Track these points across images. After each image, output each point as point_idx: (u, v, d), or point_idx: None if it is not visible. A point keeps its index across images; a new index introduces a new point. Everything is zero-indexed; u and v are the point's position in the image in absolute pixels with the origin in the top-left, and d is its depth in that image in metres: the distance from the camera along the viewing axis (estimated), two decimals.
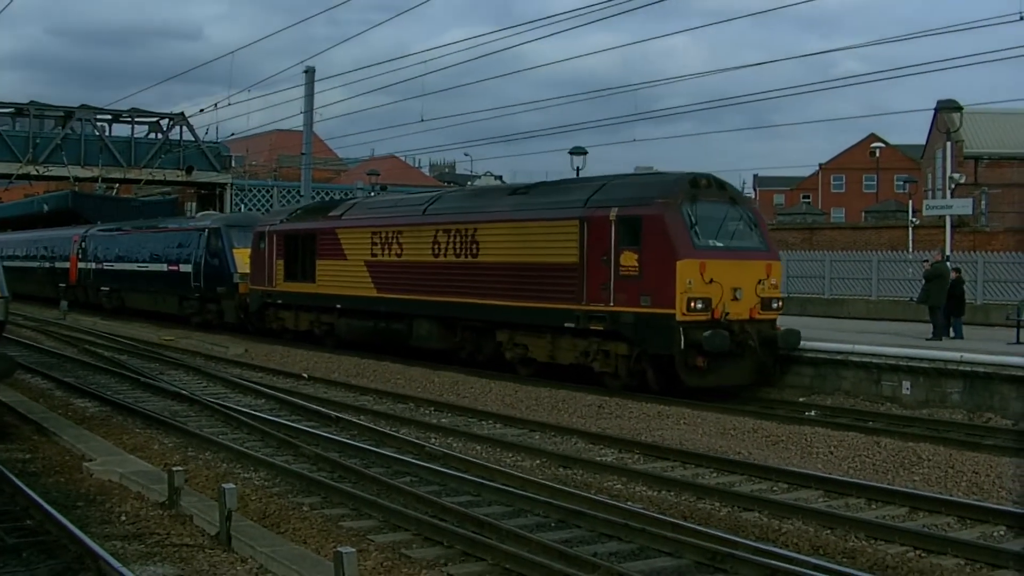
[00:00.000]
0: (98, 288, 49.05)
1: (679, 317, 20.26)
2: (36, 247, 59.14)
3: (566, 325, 22.40)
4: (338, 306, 30.13)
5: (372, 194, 49.01)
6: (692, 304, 20.31)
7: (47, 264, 56.45)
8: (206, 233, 38.62)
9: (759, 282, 21.41)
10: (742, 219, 22.25)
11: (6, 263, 58.61)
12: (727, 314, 20.67)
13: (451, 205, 27.37)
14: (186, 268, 39.48)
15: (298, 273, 31.89)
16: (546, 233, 23.15)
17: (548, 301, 22.75)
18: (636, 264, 20.97)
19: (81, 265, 51.17)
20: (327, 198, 58.79)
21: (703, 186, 21.84)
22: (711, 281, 20.55)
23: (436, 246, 26.26)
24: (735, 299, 20.88)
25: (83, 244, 51.17)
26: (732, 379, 21.29)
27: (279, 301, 33.09)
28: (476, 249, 25.04)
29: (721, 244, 21.43)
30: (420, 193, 32.60)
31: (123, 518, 11.11)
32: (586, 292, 21.84)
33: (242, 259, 35.79)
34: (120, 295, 46.99)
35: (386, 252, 28.13)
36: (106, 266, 48.36)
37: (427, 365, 25.75)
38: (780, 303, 22.20)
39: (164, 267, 41.63)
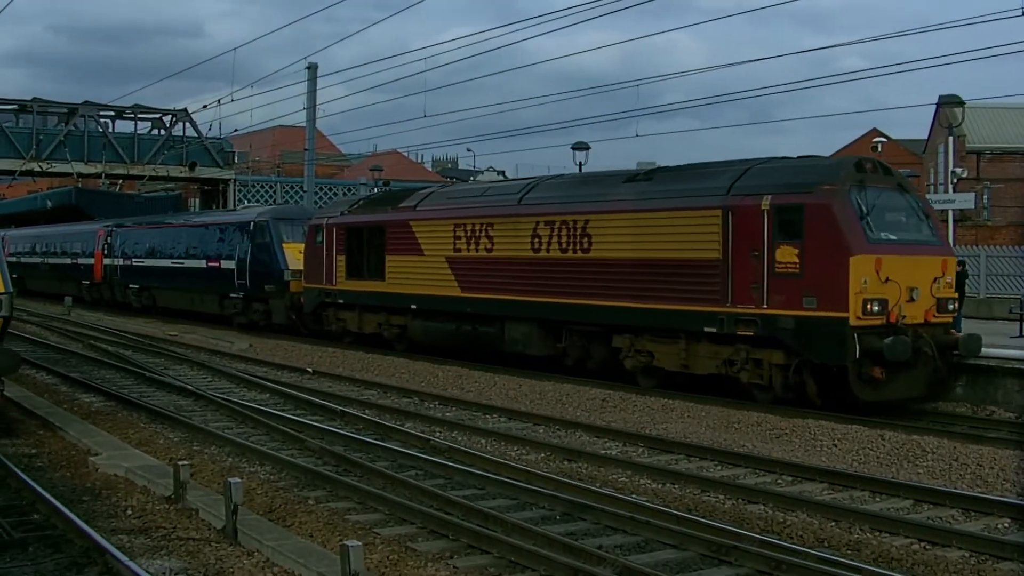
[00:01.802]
0: (126, 286, 46.00)
1: (853, 322, 17.73)
2: (56, 243, 56.16)
3: (706, 330, 19.75)
4: (413, 307, 27.30)
5: (375, 190, 48.58)
6: (868, 306, 17.85)
7: (68, 260, 53.43)
8: (252, 226, 35.19)
9: (934, 281, 18.92)
10: (912, 208, 19.79)
11: (23, 259, 57.83)
12: (903, 317, 18.22)
13: (554, 194, 24.04)
14: (228, 264, 36.18)
15: (363, 270, 29.17)
16: (678, 225, 20.43)
17: (682, 302, 20.11)
18: (797, 260, 18.40)
19: (107, 261, 48.06)
20: (331, 194, 58.80)
21: (869, 170, 19.32)
22: (887, 280, 18.09)
23: (536, 240, 23.42)
24: (911, 300, 18.43)
25: (109, 239, 48.00)
26: (907, 392, 18.83)
27: (340, 301, 30.16)
28: (588, 243, 22.15)
29: (895, 237, 18.95)
30: (512, 181, 28.00)
31: (129, 512, 11.14)
32: (731, 292, 19.24)
33: (293, 255, 33.03)
34: (151, 294, 43.85)
35: (472, 247, 25.22)
36: (135, 262, 45.11)
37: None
38: (956, 304, 19.75)
39: (203, 263, 38.39)
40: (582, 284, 22.17)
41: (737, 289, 19.20)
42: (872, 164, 19.75)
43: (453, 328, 25.96)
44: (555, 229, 22.94)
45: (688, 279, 20.04)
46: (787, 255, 18.56)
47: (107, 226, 49.37)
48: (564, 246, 22.71)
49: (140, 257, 44.73)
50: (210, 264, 37.78)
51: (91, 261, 49.84)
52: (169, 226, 44.03)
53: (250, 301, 35.36)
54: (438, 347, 26.78)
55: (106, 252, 48.25)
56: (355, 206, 31.03)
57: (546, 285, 23.03)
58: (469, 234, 25.35)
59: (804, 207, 18.47)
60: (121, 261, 46.50)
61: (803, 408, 18.39)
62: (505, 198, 25.26)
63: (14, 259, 60.14)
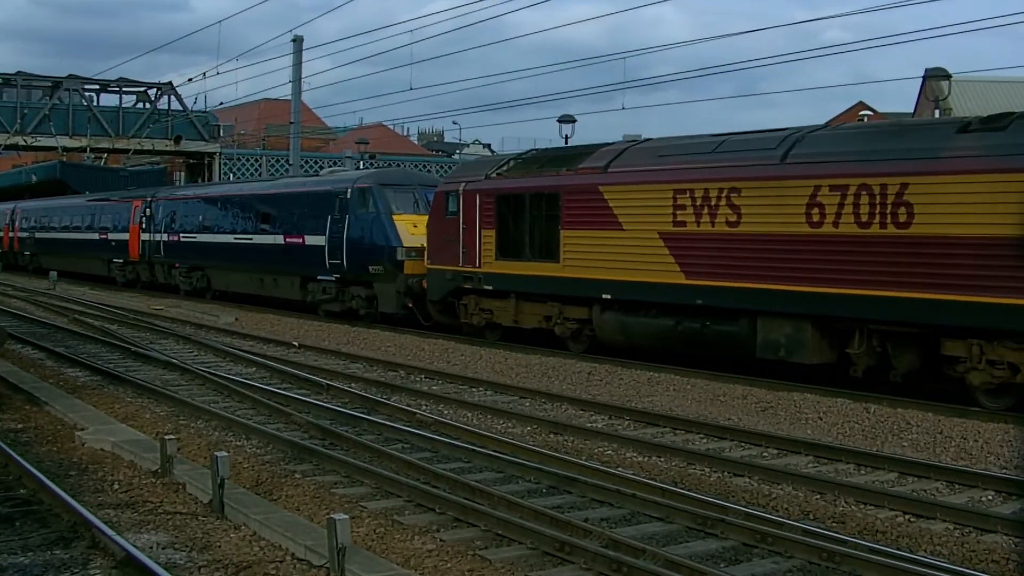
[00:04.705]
0: (171, 266, 40.30)
1: None
2: (80, 215, 50.34)
3: None
4: (604, 296, 21.39)
5: (361, 164, 47.50)
6: None
7: (96, 236, 47.41)
8: (349, 194, 29.25)
9: None
10: None
11: (38, 235, 54.67)
12: None
13: (842, 150, 17.90)
14: (315, 240, 30.19)
15: (524, 248, 23.48)
16: None
17: None
18: None
19: (145, 237, 42.01)
20: (316, 167, 58.45)
21: None
22: None
23: (815, 210, 17.65)
24: None
25: (149, 210, 41.93)
26: None
27: (487, 287, 24.48)
28: (907, 215, 16.39)
29: None
30: (758, 133, 20.75)
31: (116, 487, 11.15)
32: None
33: (406, 228, 27.75)
34: (205, 275, 38.17)
35: (705, 219, 19.40)
36: (184, 238, 38.91)
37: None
38: None
39: (279, 239, 32.38)
40: (896, 270, 16.59)
41: None
42: None
43: (670, 325, 20.27)
44: (848, 196, 17.24)
45: None
46: None
47: (146, 195, 44.19)
48: (864, 219, 17.02)
49: (191, 232, 38.60)
50: (290, 240, 31.88)
51: (125, 236, 44.14)
52: (232, 195, 37.90)
53: (347, 285, 29.75)
54: (641, 348, 21.41)
55: (144, 226, 42.32)
56: (506, 167, 25.30)
57: (831, 271, 17.44)
58: (699, 202, 19.57)
59: None
60: (165, 236, 40.47)
61: None
62: (758, 155, 19.15)
63: (27, 234, 57.43)
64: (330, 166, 52.54)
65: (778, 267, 18.21)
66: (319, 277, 30.50)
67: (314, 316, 30.41)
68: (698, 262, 19.58)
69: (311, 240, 30.52)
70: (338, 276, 29.64)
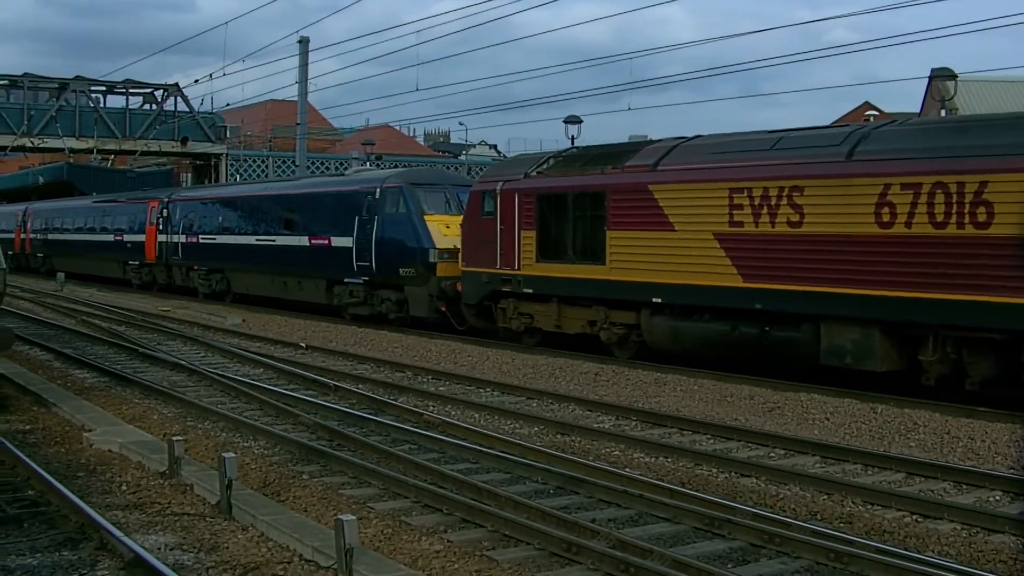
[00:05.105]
0: (189, 268, 39.45)
1: None
2: (94, 217, 49.31)
3: None
4: (655, 300, 20.42)
5: (367, 165, 47.29)
6: None
7: (111, 238, 46.35)
8: (378, 194, 28.34)
9: None
10: None
11: (51, 236, 53.70)
12: None
13: (910, 146, 17.00)
14: (343, 242, 29.22)
15: (567, 250, 22.54)
16: None
17: None
18: None
19: (162, 238, 41.19)
20: (323, 168, 58.47)
21: None
22: None
23: (885, 210, 16.66)
24: None
25: (166, 211, 41.03)
26: None
27: (527, 290, 23.46)
28: (988, 215, 15.37)
29: None
30: (820, 130, 20.15)
31: (124, 488, 11.18)
32: None
33: (438, 229, 26.71)
34: (224, 277, 37.24)
35: (765, 220, 18.43)
36: (203, 239, 37.97)
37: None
38: None
39: (304, 240, 31.52)
40: (975, 272, 15.57)
41: None
42: None
43: (725, 330, 19.33)
44: (921, 195, 16.24)
45: None
46: None
47: (163, 196, 43.26)
48: (940, 219, 16.02)
49: (210, 233, 37.69)
50: (315, 242, 30.98)
51: (141, 238, 43.20)
52: (253, 195, 37.27)
53: (376, 288, 28.79)
54: (693, 355, 20.58)
55: (161, 227, 41.45)
56: (546, 165, 24.08)
57: (903, 273, 16.48)
58: (758, 202, 18.56)
59: None
60: (183, 238, 39.59)
61: None
62: (821, 152, 18.16)
63: (39, 236, 56.28)
64: (336, 167, 52.64)
65: (845, 269, 17.24)
66: (346, 280, 29.61)
67: (320, 317, 30.37)
68: (757, 264, 18.63)
69: (338, 242, 29.59)
70: (366, 279, 28.74)
